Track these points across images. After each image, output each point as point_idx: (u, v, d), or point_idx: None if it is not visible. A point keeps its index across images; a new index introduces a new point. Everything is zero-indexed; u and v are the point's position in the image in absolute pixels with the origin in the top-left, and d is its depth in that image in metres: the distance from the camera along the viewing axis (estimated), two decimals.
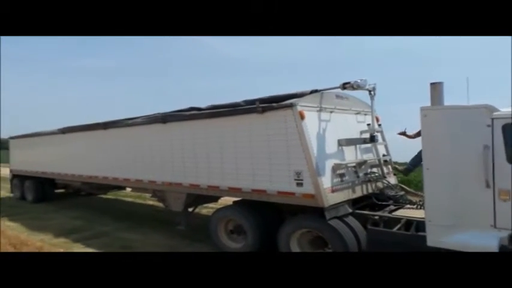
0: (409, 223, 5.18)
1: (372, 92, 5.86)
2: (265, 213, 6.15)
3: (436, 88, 4.24)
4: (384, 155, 6.63)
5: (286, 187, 5.41)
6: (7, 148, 15.47)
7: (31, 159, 12.57)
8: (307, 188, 5.18)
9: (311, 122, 5.30)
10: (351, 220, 5.37)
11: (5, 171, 21.53)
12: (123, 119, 8.53)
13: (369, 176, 6.10)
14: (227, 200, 9.22)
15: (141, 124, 7.86)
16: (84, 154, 9.78)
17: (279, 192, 5.52)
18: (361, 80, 5.45)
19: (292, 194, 5.35)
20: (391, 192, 6.32)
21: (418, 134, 6.35)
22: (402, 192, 6.54)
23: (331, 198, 5.17)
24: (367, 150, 6.37)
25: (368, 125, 6.47)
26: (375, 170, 6.32)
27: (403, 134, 6.54)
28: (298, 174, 5.27)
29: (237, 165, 6.04)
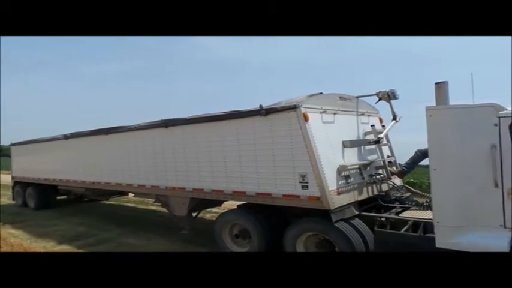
0: (416, 224, 5.12)
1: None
2: (270, 216, 6.10)
3: (441, 88, 4.21)
4: (388, 156, 6.58)
5: (291, 190, 5.37)
6: (8, 155, 15.44)
7: (33, 166, 12.54)
8: (313, 191, 5.14)
9: (315, 123, 5.27)
10: (357, 222, 5.32)
11: (6, 178, 21.60)
12: (123, 126, 8.51)
13: (374, 177, 6.05)
14: (231, 204, 9.22)
15: (143, 129, 7.83)
16: (86, 160, 9.76)
17: (284, 195, 5.47)
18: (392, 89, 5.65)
19: (297, 196, 5.31)
20: (397, 194, 6.28)
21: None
22: (408, 194, 6.50)
23: (336, 201, 5.13)
24: (371, 152, 6.33)
25: (372, 126, 6.45)
26: (380, 171, 6.27)
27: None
28: (303, 176, 5.23)
29: (241, 169, 6.00)
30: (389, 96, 6.12)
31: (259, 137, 5.69)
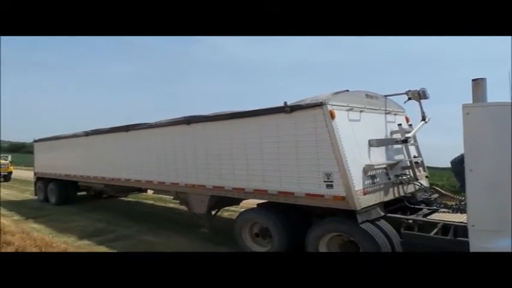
0: (446, 228, 4.92)
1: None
2: (292, 216, 5.98)
3: (479, 85, 3.99)
4: (415, 157, 6.36)
5: (315, 189, 5.23)
6: (30, 152, 15.72)
7: (55, 162, 12.75)
8: (338, 190, 4.98)
9: (341, 121, 5.11)
10: (383, 224, 5.14)
11: (28, 174, 22.11)
12: (143, 123, 8.53)
13: (400, 178, 5.84)
14: (249, 203, 9.13)
15: (164, 126, 7.82)
16: (107, 156, 9.84)
17: (308, 195, 5.34)
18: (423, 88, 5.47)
19: (322, 196, 5.17)
20: (424, 195, 6.06)
21: None
22: (436, 195, 6.27)
23: (363, 201, 4.96)
24: (398, 152, 6.13)
25: (399, 125, 6.25)
26: (406, 171, 6.06)
27: None
28: (328, 175, 5.08)
29: (263, 167, 5.89)
30: (419, 96, 5.89)
31: (282, 135, 5.57)
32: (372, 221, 5.07)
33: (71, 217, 10.46)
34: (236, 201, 7.84)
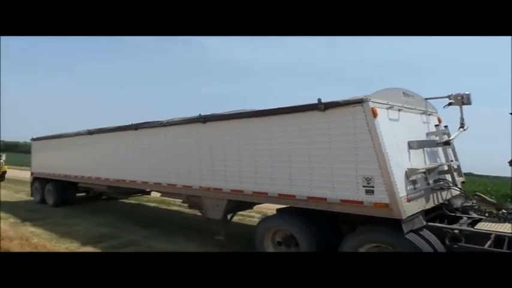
0: (498, 239, 4.45)
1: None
2: (319, 223, 5.48)
3: None
4: (451, 161, 5.90)
5: (353, 195, 4.73)
6: (24, 151, 15.03)
7: (53, 162, 12.14)
8: (380, 196, 4.49)
9: (383, 120, 4.63)
10: (427, 234, 4.66)
11: (23, 174, 21.37)
12: (154, 121, 7.98)
13: (440, 183, 5.37)
14: (262, 207, 8.62)
15: (176, 124, 7.29)
16: (111, 157, 9.27)
17: (343, 201, 4.84)
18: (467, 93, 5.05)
19: (361, 202, 4.67)
20: (465, 203, 5.60)
21: None
22: (471, 203, 5.82)
23: (407, 208, 4.47)
24: (435, 155, 5.66)
25: (436, 125, 5.80)
26: (445, 176, 5.59)
27: None
28: (368, 180, 4.59)
29: (290, 170, 5.39)
30: (462, 101, 5.42)
31: (314, 135, 5.07)
32: (416, 231, 4.58)
33: (71, 220, 9.86)
34: (250, 206, 7.37)
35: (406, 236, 4.41)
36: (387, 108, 4.86)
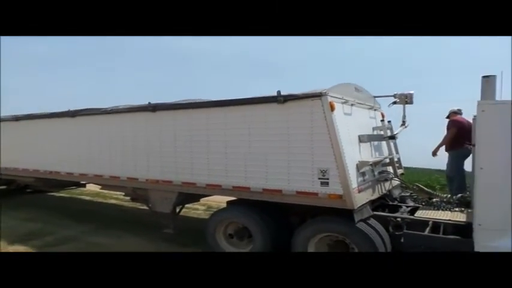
0: (435, 226, 4.91)
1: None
2: (272, 215, 5.57)
3: (489, 82, 3.97)
4: (393, 154, 6.34)
5: (308, 187, 4.86)
6: None
7: None
8: (334, 188, 4.67)
9: (339, 114, 4.81)
10: (373, 223, 4.97)
11: None
12: (96, 108, 7.40)
13: (384, 175, 5.76)
14: (208, 200, 8.51)
15: (122, 112, 6.84)
16: (42, 146, 8.41)
17: (299, 192, 4.95)
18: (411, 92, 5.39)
19: (315, 194, 4.82)
20: (403, 193, 6.08)
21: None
22: (408, 193, 6.36)
23: (358, 200, 4.72)
24: (379, 148, 6.04)
25: (382, 120, 6.19)
26: (387, 168, 6.00)
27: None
28: (323, 172, 4.75)
29: (245, 162, 5.37)
30: (406, 100, 5.83)
31: (272, 127, 5.10)
32: (364, 220, 4.87)
33: None
34: (199, 198, 7.23)
35: (357, 225, 4.66)
36: (342, 103, 5.05)
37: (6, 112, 9.61)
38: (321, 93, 4.67)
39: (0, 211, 8.71)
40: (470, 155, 6.30)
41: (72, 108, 7.74)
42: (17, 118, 8.94)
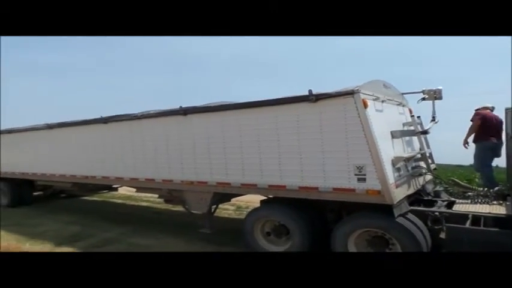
0: (475, 219, 4.89)
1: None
2: (309, 212, 5.66)
3: None
4: (425, 149, 6.32)
5: (345, 183, 4.93)
6: None
7: (7, 159, 11.18)
8: (372, 184, 4.73)
9: (372, 111, 4.85)
10: (412, 217, 4.99)
11: None
12: (127, 114, 7.65)
13: (417, 170, 5.76)
14: (242, 199, 8.68)
15: (153, 117, 7.05)
16: (78, 152, 8.74)
17: (336, 189, 5.02)
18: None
19: (352, 190, 4.88)
20: (437, 188, 6.06)
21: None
22: (441, 188, 6.32)
23: (397, 195, 4.76)
24: (411, 144, 6.04)
25: (412, 116, 6.18)
26: (420, 164, 5.99)
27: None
28: (359, 168, 4.81)
29: (279, 161, 5.48)
30: (435, 95, 5.81)
31: (305, 126, 5.18)
32: (403, 215, 4.90)
33: (33, 220, 9.23)
34: (230, 198, 7.41)
35: (397, 219, 4.70)
36: (373, 100, 5.09)
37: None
38: (353, 90, 4.73)
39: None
40: (498, 149, 6.29)
41: (103, 115, 8.03)
42: (49, 126, 9.31)
